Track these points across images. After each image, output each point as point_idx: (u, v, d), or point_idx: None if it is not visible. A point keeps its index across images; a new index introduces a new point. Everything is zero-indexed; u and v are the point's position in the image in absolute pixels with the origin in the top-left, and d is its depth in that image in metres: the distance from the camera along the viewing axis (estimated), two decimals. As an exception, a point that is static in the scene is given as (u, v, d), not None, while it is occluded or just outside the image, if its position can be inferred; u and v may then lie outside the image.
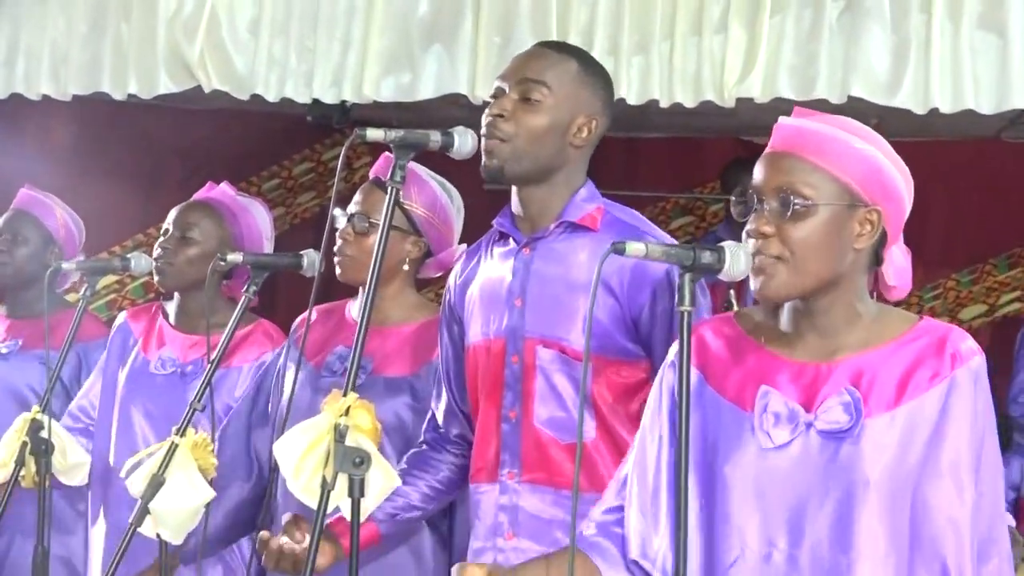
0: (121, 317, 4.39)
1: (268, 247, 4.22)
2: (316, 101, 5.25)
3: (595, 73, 3.20)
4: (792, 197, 2.46)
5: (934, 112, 4.66)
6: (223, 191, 4.25)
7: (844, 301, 2.53)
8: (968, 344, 2.50)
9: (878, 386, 2.48)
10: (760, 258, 2.47)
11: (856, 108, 4.80)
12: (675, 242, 3.06)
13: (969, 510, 2.45)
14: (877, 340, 2.52)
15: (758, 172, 2.54)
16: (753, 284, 2.51)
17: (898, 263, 2.59)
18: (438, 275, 3.83)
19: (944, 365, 2.47)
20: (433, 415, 3.43)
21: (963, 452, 2.45)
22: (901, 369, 2.49)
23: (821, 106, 4.66)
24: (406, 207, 3.64)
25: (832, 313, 2.53)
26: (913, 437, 2.45)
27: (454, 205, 3.73)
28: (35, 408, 3.91)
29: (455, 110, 5.41)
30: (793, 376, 2.54)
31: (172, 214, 4.24)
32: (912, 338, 2.52)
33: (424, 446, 3.42)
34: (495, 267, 3.21)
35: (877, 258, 2.57)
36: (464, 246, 3.72)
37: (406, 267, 3.70)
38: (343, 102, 5.33)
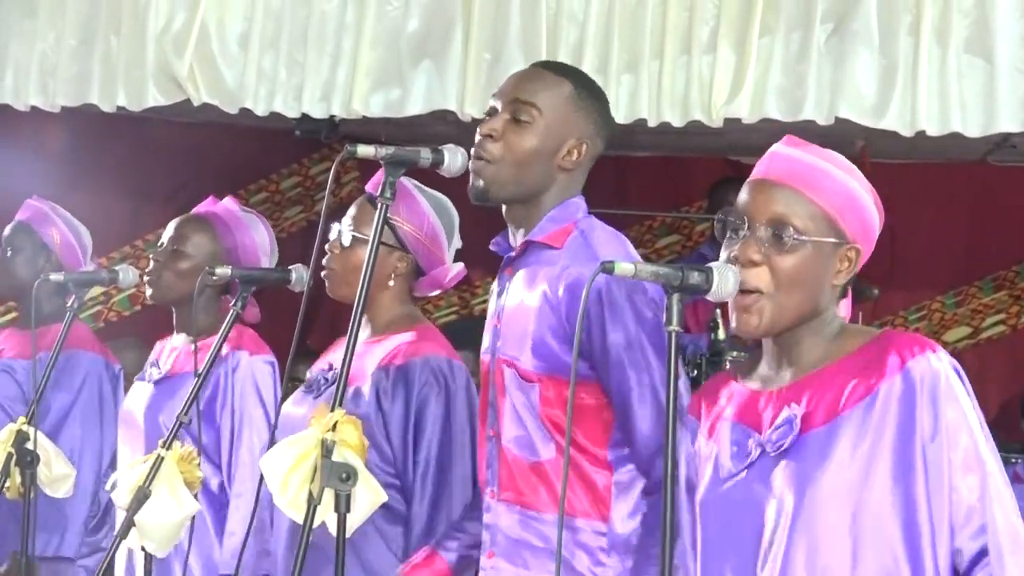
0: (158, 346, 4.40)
1: (267, 263, 4.20)
2: (304, 116, 5.25)
3: (590, 95, 3.17)
4: (787, 229, 2.47)
5: (921, 135, 4.68)
6: (225, 206, 4.25)
7: (812, 332, 2.53)
8: (915, 347, 2.45)
9: (822, 401, 2.48)
10: (744, 297, 2.48)
11: (843, 130, 4.83)
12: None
13: (924, 515, 2.41)
14: (832, 357, 2.52)
15: (747, 197, 2.53)
16: (733, 320, 2.52)
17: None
18: (434, 293, 3.83)
19: (885, 370, 2.44)
20: None
21: (910, 457, 2.42)
22: (843, 380, 2.48)
23: (808, 127, 4.70)
24: (393, 223, 3.65)
25: (799, 344, 2.54)
26: (851, 446, 2.43)
27: (447, 222, 3.72)
28: (21, 419, 3.91)
29: (444, 126, 5.42)
30: (751, 403, 2.56)
31: (168, 227, 4.25)
32: (862, 351, 2.50)
33: None
34: (495, 286, 3.23)
35: (844, 291, 2.58)
36: (460, 265, 3.72)
37: (391, 283, 3.71)
38: (331, 117, 5.34)
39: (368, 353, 3.62)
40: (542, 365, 3.02)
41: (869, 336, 2.54)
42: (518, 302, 3.10)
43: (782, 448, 2.47)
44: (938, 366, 2.44)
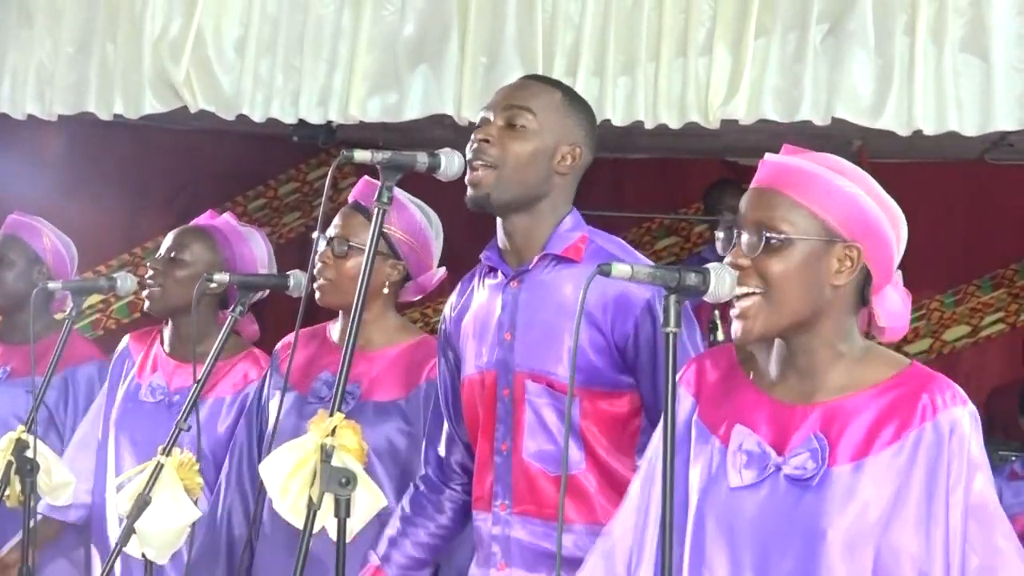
0: (124, 341, 4.39)
1: None
2: (302, 121, 5.25)
3: (578, 104, 3.22)
4: (767, 231, 2.47)
5: (918, 134, 4.68)
6: (224, 219, 4.25)
7: (825, 341, 2.51)
8: (947, 395, 2.46)
9: (848, 434, 2.46)
10: (740, 303, 2.48)
11: (840, 130, 4.83)
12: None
13: (940, 564, 2.41)
14: (857, 385, 2.50)
15: (741, 207, 2.55)
16: (733, 328, 2.51)
17: (892, 305, 2.56)
18: (417, 298, 3.84)
19: (915, 417, 2.45)
20: (430, 446, 3.43)
21: (932, 506, 2.42)
22: (873, 418, 2.46)
23: (805, 128, 4.70)
24: (386, 231, 3.65)
25: (813, 354, 2.52)
26: (878, 489, 2.43)
27: (433, 229, 3.75)
28: (20, 428, 3.90)
29: (440, 131, 5.43)
30: (771, 416, 2.53)
31: (167, 237, 4.25)
32: (892, 386, 2.49)
33: (422, 486, 3.41)
34: (485, 300, 3.21)
35: (863, 298, 2.55)
36: (443, 270, 3.73)
37: (386, 290, 3.71)
38: (329, 122, 5.34)
39: (378, 362, 3.64)
40: (580, 377, 3.05)
41: (897, 366, 2.53)
42: (541, 315, 3.11)
43: (804, 477, 2.46)
44: (967, 423, 2.45)
